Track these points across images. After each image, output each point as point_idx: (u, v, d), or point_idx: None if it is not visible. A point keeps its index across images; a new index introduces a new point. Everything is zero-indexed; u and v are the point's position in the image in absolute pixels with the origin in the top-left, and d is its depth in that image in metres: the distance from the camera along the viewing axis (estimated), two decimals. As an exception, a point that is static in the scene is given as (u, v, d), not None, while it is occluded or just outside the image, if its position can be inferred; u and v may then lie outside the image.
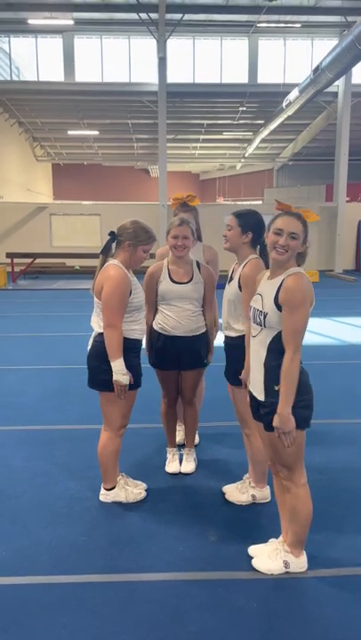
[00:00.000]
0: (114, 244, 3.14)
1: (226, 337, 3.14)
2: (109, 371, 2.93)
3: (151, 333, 3.46)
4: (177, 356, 3.39)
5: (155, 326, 3.44)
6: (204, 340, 3.45)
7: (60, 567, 2.61)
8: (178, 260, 3.39)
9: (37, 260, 15.78)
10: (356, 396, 5.24)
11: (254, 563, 2.62)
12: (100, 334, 2.99)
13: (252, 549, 2.69)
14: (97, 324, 3.06)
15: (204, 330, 3.45)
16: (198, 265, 3.47)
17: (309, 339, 7.69)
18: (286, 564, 2.56)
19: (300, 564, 2.57)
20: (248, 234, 2.94)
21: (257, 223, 2.96)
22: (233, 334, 3.06)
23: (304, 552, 2.60)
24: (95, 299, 3.04)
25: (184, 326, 3.36)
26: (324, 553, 2.71)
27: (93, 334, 3.09)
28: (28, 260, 15.54)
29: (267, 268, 2.75)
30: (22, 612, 2.31)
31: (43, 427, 4.41)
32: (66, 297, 12.57)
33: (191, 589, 2.44)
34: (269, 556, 2.60)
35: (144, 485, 3.30)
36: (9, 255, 15.01)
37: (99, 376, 3.01)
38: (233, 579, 2.54)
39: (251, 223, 2.95)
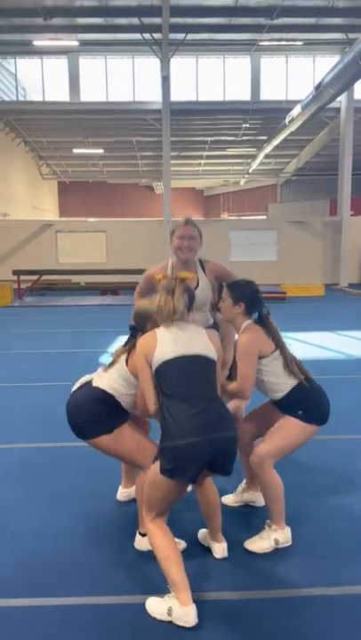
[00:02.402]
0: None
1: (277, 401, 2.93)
2: (104, 414, 2.75)
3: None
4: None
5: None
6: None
7: (66, 588, 2.57)
8: (183, 266, 3.15)
9: (44, 277, 15.87)
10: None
11: (246, 544, 2.80)
12: (102, 391, 2.78)
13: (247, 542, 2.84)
14: (105, 381, 2.83)
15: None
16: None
17: (316, 353, 7.71)
18: (277, 542, 2.79)
19: (287, 539, 2.83)
20: (240, 305, 2.89)
21: (250, 293, 2.92)
22: (278, 397, 2.89)
23: (287, 526, 2.83)
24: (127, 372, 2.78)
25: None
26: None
27: (89, 384, 2.88)
28: (35, 277, 15.63)
29: (266, 333, 2.84)
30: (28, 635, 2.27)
31: (48, 444, 4.38)
32: (72, 313, 12.60)
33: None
34: (261, 536, 2.82)
35: (183, 544, 2.85)
36: (15, 272, 15.10)
37: (94, 425, 2.77)
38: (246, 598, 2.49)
39: (242, 294, 2.91)
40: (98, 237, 19.19)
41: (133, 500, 3.33)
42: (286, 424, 2.83)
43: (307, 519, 3.14)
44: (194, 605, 2.30)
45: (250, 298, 2.91)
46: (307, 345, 8.38)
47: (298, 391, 2.83)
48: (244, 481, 3.33)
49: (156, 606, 2.34)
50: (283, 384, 2.84)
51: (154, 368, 2.47)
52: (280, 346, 2.89)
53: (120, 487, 3.41)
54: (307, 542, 2.91)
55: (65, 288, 16.82)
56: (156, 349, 2.47)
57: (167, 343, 2.48)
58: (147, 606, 2.37)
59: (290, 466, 3.76)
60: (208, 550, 2.82)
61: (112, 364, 2.85)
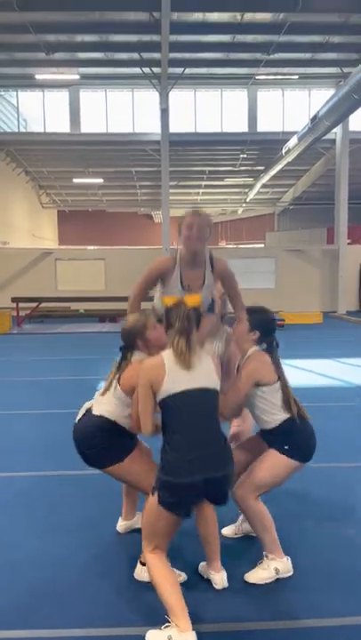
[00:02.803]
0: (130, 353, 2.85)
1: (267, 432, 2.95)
2: (114, 443, 2.77)
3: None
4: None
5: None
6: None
7: (64, 619, 2.51)
8: (191, 258, 3.01)
9: (42, 304, 15.92)
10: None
11: (246, 577, 2.74)
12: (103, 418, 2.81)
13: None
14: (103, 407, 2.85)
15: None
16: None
17: (315, 380, 7.69)
18: (277, 571, 2.75)
19: (287, 569, 2.79)
20: (255, 332, 2.92)
21: (267, 323, 2.96)
22: (274, 426, 2.87)
23: (286, 556, 2.80)
24: (121, 392, 2.79)
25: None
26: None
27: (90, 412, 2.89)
28: (34, 305, 15.67)
29: (272, 361, 2.86)
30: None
31: (46, 472, 4.33)
32: (71, 340, 12.60)
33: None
34: (261, 567, 2.77)
35: (184, 576, 2.81)
36: (14, 299, 15.14)
37: (106, 455, 2.79)
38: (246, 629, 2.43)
39: (260, 323, 2.93)
40: (97, 265, 19.33)
41: (133, 531, 3.28)
42: (271, 458, 2.81)
43: (306, 549, 3.09)
44: (194, 632, 2.25)
45: (266, 327, 2.94)
46: (306, 372, 8.36)
47: (289, 425, 2.81)
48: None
49: (156, 637, 2.29)
50: (277, 415, 2.83)
51: (159, 399, 2.47)
52: (282, 379, 2.89)
53: (120, 519, 3.35)
54: (307, 572, 2.86)
55: (64, 315, 16.85)
56: (164, 381, 2.45)
57: (175, 375, 2.46)
58: (146, 639, 2.32)
59: (289, 494, 3.72)
60: (209, 582, 2.76)
61: (107, 388, 2.85)
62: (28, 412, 6.26)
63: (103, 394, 2.86)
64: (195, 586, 2.74)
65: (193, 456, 2.36)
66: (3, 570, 2.93)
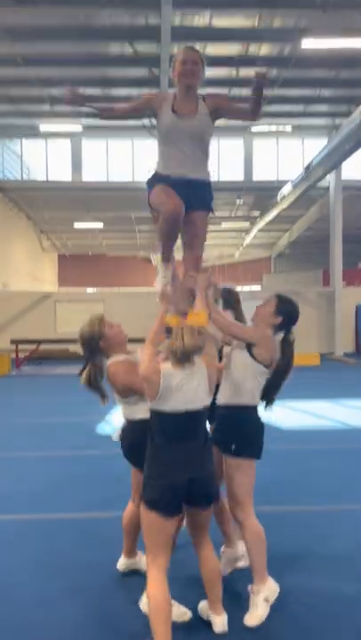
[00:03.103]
0: (102, 361, 3.00)
1: (226, 406, 2.90)
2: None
3: None
4: None
5: None
6: None
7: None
8: (186, 94, 2.96)
9: (41, 346, 16.00)
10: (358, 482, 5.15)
11: (246, 621, 2.70)
12: (133, 422, 2.95)
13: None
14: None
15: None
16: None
17: (312, 422, 7.71)
18: (267, 600, 2.74)
19: (273, 590, 2.79)
20: (279, 318, 2.94)
21: (294, 314, 2.99)
22: (239, 402, 2.87)
23: (268, 576, 2.81)
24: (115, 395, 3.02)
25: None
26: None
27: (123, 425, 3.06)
28: (33, 347, 15.76)
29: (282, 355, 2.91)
30: None
31: (45, 515, 4.33)
32: (69, 382, 12.59)
33: None
34: (253, 606, 2.74)
35: (189, 614, 2.80)
36: (13, 341, 15.24)
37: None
38: None
39: (287, 311, 2.97)
40: (96, 307, 19.51)
41: (134, 572, 3.28)
42: (231, 473, 2.85)
43: (317, 592, 3.09)
44: None
45: (291, 317, 2.97)
46: (305, 414, 8.40)
47: (252, 411, 2.88)
48: (223, 545, 3.28)
49: None
50: (253, 396, 2.88)
51: (151, 407, 2.56)
52: (281, 370, 2.93)
53: (122, 556, 3.35)
54: (310, 621, 2.86)
55: (62, 357, 16.92)
56: (157, 396, 2.50)
57: (167, 393, 2.49)
58: None
59: (306, 533, 3.74)
60: (208, 624, 2.76)
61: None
62: (27, 454, 6.26)
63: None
64: (194, 628, 2.74)
65: (177, 459, 2.50)
66: (3, 613, 2.92)
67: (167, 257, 3.10)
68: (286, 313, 2.95)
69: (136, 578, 3.18)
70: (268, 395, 2.96)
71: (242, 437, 2.83)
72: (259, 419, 2.94)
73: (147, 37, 11.29)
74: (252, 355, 2.83)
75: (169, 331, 2.60)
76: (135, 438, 2.85)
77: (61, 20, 11.32)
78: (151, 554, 2.52)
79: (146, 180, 3.09)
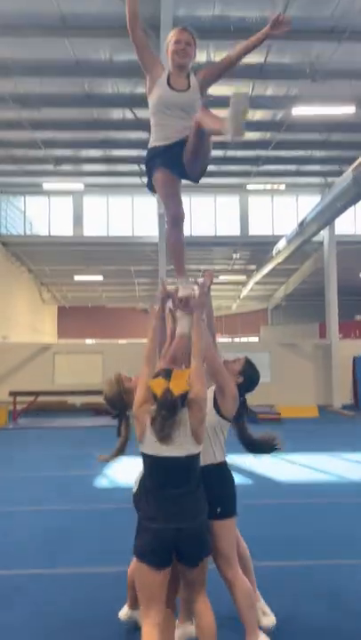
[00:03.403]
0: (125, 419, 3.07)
1: (203, 466, 2.84)
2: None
3: None
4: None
5: None
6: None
7: None
8: (179, 71, 3.13)
9: (39, 398, 15.98)
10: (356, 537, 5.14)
11: None
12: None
13: None
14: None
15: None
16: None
17: (309, 476, 7.70)
18: None
19: None
20: (240, 378, 3.11)
21: (254, 379, 3.17)
22: (213, 461, 2.92)
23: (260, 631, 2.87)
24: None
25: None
26: None
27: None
28: (31, 398, 15.74)
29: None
30: None
31: (43, 570, 4.31)
32: (66, 435, 12.57)
33: None
34: None
35: None
36: (12, 393, 15.25)
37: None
38: None
39: (250, 375, 3.15)
40: (94, 359, 19.61)
41: (136, 627, 3.24)
42: (217, 533, 2.82)
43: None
44: None
45: (251, 382, 3.14)
46: (303, 468, 8.38)
47: (226, 467, 2.96)
48: (180, 617, 3.17)
49: None
50: (223, 451, 2.96)
51: (140, 447, 2.65)
52: (239, 424, 3.06)
53: (125, 606, 3.33)
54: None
55: (60, 409, 16.88)
56: (143, 438, 2.60)
57: (151, 439, 2.58)
58: None
59: (306, 587, 3.73)
60: None
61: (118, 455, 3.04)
62: (25, 508, 6.23)
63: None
64: None
65: (166, 507, 2.54)
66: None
67: (182, 270, 3.28)
68: (249, 377, 3.13)
69: (138, 633, 3.17)
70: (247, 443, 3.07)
71: (226, 498, 2.89)
72: (231, 473, 3.01)
73: (147, 105, 11.93)
74: (217, 407, 2.92)
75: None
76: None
77: (67, 88, 12.03)
78: (144, 607, 2.53)
79: (145, 159, 3.25)
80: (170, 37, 3.15)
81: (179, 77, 3.11)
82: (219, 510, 2.82)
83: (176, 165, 3.13)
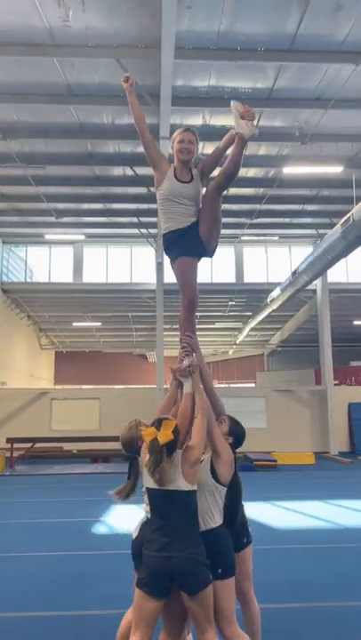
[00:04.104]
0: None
1: (204, 530, 3.06)
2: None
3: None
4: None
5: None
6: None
7: None
8: (183, 166, 3.54)
9: (36, 444, 16.04)
10: (352, 580, 5.30)
11: None
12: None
13: None
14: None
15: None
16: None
17: (305, 522, 7.84)
18: None
19: None
20: (229, 438, 3.36)
21: (241, 438, 3.43)
22: (213, 525, 3.11)
23: None
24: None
25: None
26: None
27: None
28: (28, 445, 15.80)
29: None
30: None
31: (40, 613, 4.45)
32: (63, 482, 12.62)
33: None
34: None
35: None
36: (9, 440, 15.33)
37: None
38: None
39: (237, 434, 3.42)
40: (91, 404, 19.73)
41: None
42: (219, 593, 2.98)
43: None
44: None
45: (239, 439, 3.40)
46: (297, 514, 8.50)
47: (224, 531, 3.14)
48: None
49: None
50: (221, 516, 3.15)
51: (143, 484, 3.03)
52: (236, 489, 3.28)
53: None
54: None
55: (57, 456, 16.89)
56: (145, 471, 2.98)
57: (147, 475, 2.96)
58: None
59: (305, 628, 3.90)
60: None
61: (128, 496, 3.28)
62: (22, 554, 6.34)
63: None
64: None
65: (161, 538, 2.86)
66: None
67: (192, 327, 3.63)
68: (236, 434, 3.40)
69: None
70: (233, 515, 3.25)
71: (226, 558, 3.08)
72: (229, 534, 3.18)
73: (146, 163, 12.60)
74: (213, 473, 3.14)
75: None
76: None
77: (71, 148, 12.73)
78: (133, 626, 2.87)
79: (165, 245, 3.64)
80: (175, 136, 3.58)
81: (183, 170, 3.56)
82: (220, 571, 3.02)
83: (194, 246, 3.55)
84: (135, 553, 3.18)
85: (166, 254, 3.67)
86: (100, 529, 7.60)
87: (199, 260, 3.66)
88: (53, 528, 7.77)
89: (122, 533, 7.11)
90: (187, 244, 3.54)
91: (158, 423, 2.97)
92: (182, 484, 2.93)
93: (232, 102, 3.47)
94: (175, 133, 3.58)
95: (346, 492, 10.74)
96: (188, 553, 2.84)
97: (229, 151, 3.52)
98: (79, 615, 4.44)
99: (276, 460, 15.08)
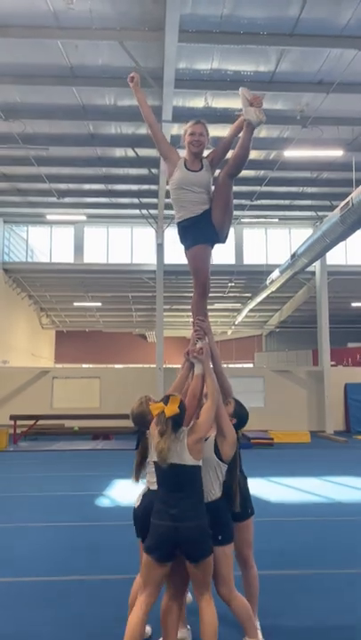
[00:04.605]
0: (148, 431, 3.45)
1: (207, 502, 3.26)
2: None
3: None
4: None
5: None
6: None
7: None
8: (194, 157, 3.65)
9: (38, 422, 16.39)
10: (338, 550, 5.62)
11: None
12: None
13: None
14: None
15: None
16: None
17: (298, 497, 8.16)
18: None
19: None
20: (233, 419, 3.55)
21: (244, 418, 3.64)
22: (213, 498, 3.33)
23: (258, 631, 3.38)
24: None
25: None
26: None
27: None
28: (30, 422, 16.14)
29: None
30: None
31: (49, 578, 4.75)
32: (65, 458, 12.97)
33: None
34: None
35: (149, 631, 3.43)
36: (12, 417, 15.66)
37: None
38: None
39: (240, 415, 3.62)
40: (92, 383, 20.07)
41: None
42: (219, 558, 3.22)
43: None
44: None
45: (242, 420, 3.62)
46: (291, 489, 8.84)
47: (224, 502, 3.38)
48: None
49: None
50: (221, 489, 3.39)
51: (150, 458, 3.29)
52: (234, 467, 3.48)
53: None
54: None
55: (58, 433, 17.26)
56: (153, 446, 3.21)
57: (153, 446, 3.22)
58: None
59: (295, 592, 4.21)
60: None
61: (138, 469, 3.52)
62: (26, 524, 6.64)
63: (137, 477, 3.54)
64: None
65: (168, 508, 3.07)
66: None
67: (204, 311, 3.81)
68: (240, 416, 3.61)
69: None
70: (228, 488, 3.44)
71: (224, 527, 3.35)
72: (227, 506, 3.41)
73: (147, 144, 12.71)
74: (217, 451, 3.38)
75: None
76: (150, 507, 3.33)
77: (73, 129, 12.80)
78: (142, 586, 3.14)
79: (179, 233, 3.78)
80: (186, 128, 3.70)
81: (194, 161, 3.68)
82: (220, 538, 3.29)
83: (207, 234, 3.67)
84: (136, 520, 3.45)
85: (181, 243, 3.79)
86: (103, 502, 7.92)
87: (212, 246, 3.77)
88: (57, 501, 8.08)
89: (123, 506, 7.46)
90: (200, 232, 3.65)
91: (166, 399, 3.22)
92: (188, 459, 3.15)
93: (240, 89, 3.58)
94: (187, 126, 3.69)
95: (340, 470, 11.06)
96: (194, 524, 3.07)
97: (238, 137, 3.63)
98: (89, 580, 4.74)
99: (272, 439, 15.43)
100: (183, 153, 3.73)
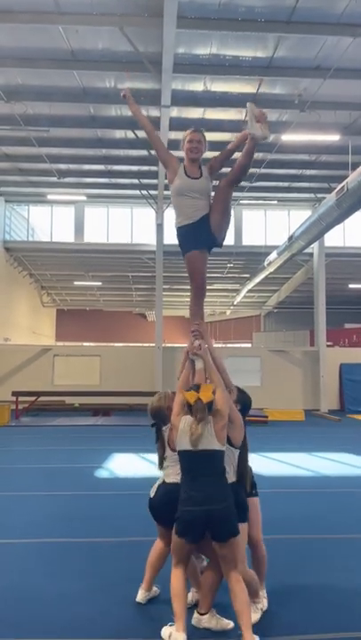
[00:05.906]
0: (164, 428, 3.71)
1: None
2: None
3: None
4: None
5: None
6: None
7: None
8: (192, 163, 3.84)
9: (39, 398, 16.84)
10: (324, 518, 6.05)
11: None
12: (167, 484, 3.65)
13: None
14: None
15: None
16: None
17: (289, 471, 8.60)
18: (262, 609, 3.65)
19: (263, 602, 3.71)
20: (237, 404, 3.81)
21: (248, 404, 3.91)
22: (229, 481, 3.48)
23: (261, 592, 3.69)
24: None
25: None
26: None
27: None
28: (32, 398, 16.59)
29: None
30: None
31: (49, 539, 5.17)
32: (66, 433, 13.43)
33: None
34: (253, 612, 3.51)
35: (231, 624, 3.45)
36: (15, 393, 16.09)
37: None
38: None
39: (244, 401, 3.88)
40: (92, 361, 20.48)
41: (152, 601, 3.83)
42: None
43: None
44: (184, 634, 3.15)
45: (245, 406, 3.89)
46: (282, 464, 9.29)
47: (238, 486, 3.64)
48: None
49: (164, 632, 3.23)
50: (235, 472, 3.66)
51: (177, 447, 3.45)
52: (244, 452, 3.75)
53: (141, 590, 3.82)
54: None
55: (59, 409, 17.73)
56: (177, 437, 3.43)
57: (182, 438, 3.37)
58: (161, 632, 3.23)
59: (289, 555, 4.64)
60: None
61: (162, 461, 3.79)
62: (30, 493, 7.08)
63: (162, 467, 3.79)
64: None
65: (197, 494, 3.28)
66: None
67: (201, 314, 4.07)
68: (243, 402, 3.88)
69: (156, 604, 3.90)
70: (241, 472, 3.70)
71: (239, 508, 3.55)
72: (241, 489, 3.68)
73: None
74: (228, 439, 3.53)
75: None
76: (164, 498, 3.59)
77: (74, 111, 12.95)
78: (174, 561, 3.39)
79: (178, 239, 3.97)
80: (185, 136, 3.91)
81: (192, 167, 3.87)
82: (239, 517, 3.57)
83: (205, 239, 3.86)
84: (152, 509, 3.71)
85: (179, 247, 3.99)
86: (101, 473, 8.36)
87: (210, 251, 3.95)
88: (59, 472, 8.50)
89: (121, 477, 7.90)
90: (198, 238, 3.84)
91: (197, 387, 3.48)
92: (216, 444, 3.36)
93: (248, 104, 3.74)
94: (185, 134, 3.91)
95: (331, 446, 11.44)
96: (222, 506, 3.27)
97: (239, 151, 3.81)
98: (87, 542, 5.17)
99: (267, 416, 15.89)
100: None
